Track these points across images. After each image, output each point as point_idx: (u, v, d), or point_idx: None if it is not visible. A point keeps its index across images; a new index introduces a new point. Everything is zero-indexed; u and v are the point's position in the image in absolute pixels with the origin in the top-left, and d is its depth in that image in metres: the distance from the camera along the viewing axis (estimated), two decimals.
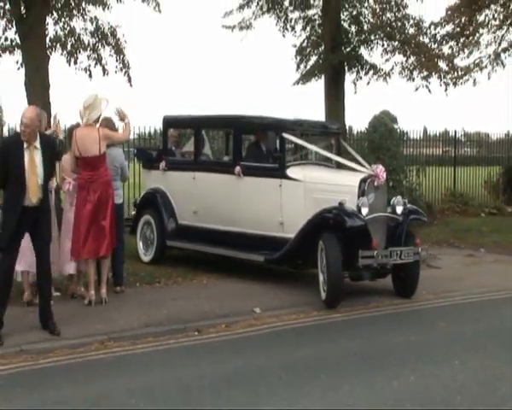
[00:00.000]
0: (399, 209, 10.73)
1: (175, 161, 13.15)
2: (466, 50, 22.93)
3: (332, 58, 20.91)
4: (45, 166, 8.46)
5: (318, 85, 22.32)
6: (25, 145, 8.22)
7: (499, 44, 23.80)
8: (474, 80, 23.03)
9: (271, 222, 11.17)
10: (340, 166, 12.07)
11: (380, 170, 10.61)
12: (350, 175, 10.97)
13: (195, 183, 12.41)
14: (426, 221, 12.57)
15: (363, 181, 10.47)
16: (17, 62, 17.16)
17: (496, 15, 23.14)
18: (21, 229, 8.37)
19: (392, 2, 21.51)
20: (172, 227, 12.66)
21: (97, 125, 10.08)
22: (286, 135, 11.49)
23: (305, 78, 22.38)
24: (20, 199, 8.23)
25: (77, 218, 9.91)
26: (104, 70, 17.79)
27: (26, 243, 9.18)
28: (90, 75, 17.72)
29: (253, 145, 13.15)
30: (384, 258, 10.20)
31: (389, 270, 10.83)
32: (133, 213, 13.98)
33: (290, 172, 11.23)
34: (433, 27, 22.26)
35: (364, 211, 10.14)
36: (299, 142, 11.82)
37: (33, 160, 8.28)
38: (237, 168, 11.68)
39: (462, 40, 22.59)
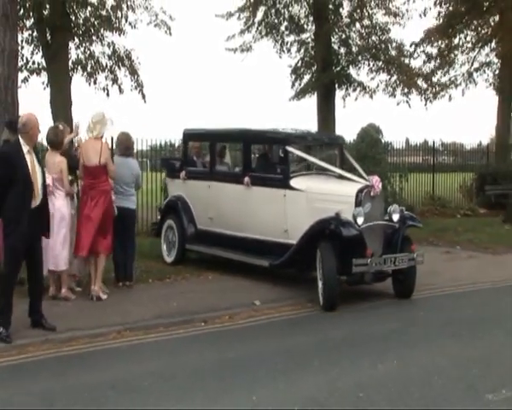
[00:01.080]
0: (396, 217, 10.36)
1: (194, 170, 12.82)
2: (442, 70, 23.03)
3: (323, 77, 21.08)
4: (42, 168, 8.39)
5: (311, 101, 22.48)
6: (25, 150, 8.03)
7: (472, 65, 24.09)
8: (450, 96, 23.26)
9: (276, 229, 10.84)
10: (341, 176, 11.40)
11: (376, 181, 10.25)
12: (348, 185, 10.50)
13: (210, 191, 12.14)
14: (421, 227, 12.11)
15: (359, 191, 10.08)
16: (43, 83, 17.31)
17: (469, 39, 23.30)
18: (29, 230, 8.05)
19: (377, 27, 21.56)
20: (191, 232, 12.40)
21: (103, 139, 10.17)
22: (289, 148, 11.20)
23: (300, 94, 22.48)
24: (28, 200, 7.97)
25: (78, 219, 9.93)
26: (120, 89, 17.84)
27: (52, 241, 9.27)
28: (108, 94, 17.79)
29: (262, 157, 12.96)
30: (378, 265, 9.91)
31: (388, 274, 10.51)
32: (158, 217, 13.61)
33: (294, 182, 10.85)
34: (413, 47, 22.31)
35: (360, 220, 9.80)
36: (301, 154, 11.51)
37: (33, 163, 8.12)
38: (246, 179, 11.37)
39: (438, 60, 22.65)
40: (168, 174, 13.61)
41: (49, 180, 9.59)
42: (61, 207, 9.63)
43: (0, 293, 8.16)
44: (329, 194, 10.41)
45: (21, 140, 8.12)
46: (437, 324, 9.17)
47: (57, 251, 9.55)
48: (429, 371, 7.07)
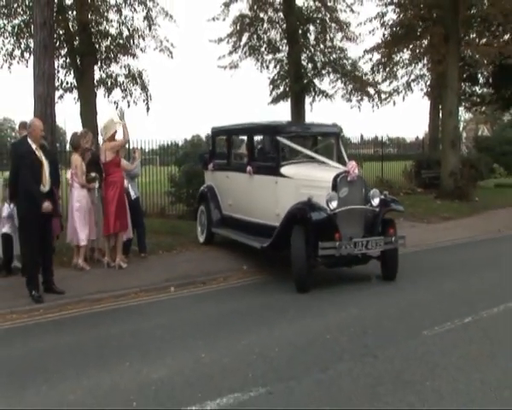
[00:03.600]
0: (375, 201, 8.92)
1: (218, 162, 11.77)
2: (388, 80, 23.26)
3: (295, 87, 21.11)
4: (52, 163, 8.34)
5: (286, 105, 22.47)
6: (33, 147, 7.97)
7: (410, 77, 24.52)
8: (394, 101, 23.43)
9: (270, 213, 9.52)
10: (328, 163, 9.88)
11: (351, 166, 8.80)
12: (329, 172, 9.02)
13: (228, 180, 11.19)
14: (402, 211, 10.17)
15: (336, 177, 8.69)
16: (74, 98, 17.31)
17: (407, 56, 23.58)
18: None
19: (336, 48, 21.60)
20: (216, 217, 11.43)
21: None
22: (279, 138, 9.85)
23: (276, 100, 22.50)
24: (37, 182, 7.88)
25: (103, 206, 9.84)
26: (134, 102, 17.82)
27: (73, 223, 9.33)
28: (117, 107, 17.73)
29: (261, 147, 11.39)
30: (347, 249, 8.37)
31: (372, 256, 9.04)
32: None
33: (284, 170, 9.56)
34: (366, 56, 22.33)
35: (333, 204, 8.47)
36: (289, 144, 10.11)
37: (41, 157, 8.04)
38: (248, 168, 10.31)
39: (384, 73, 22.81)
40: (202, 166, 12.65)
41: (68, 175, 9.62)
42: (77, 196, 9.58)
43: (27, 264, 8.16)
44: (312, 180, 9.09)
45: (28, 138, 8.08)
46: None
47: (76, 231, 9.48)
48: (381, 316, 7.13)
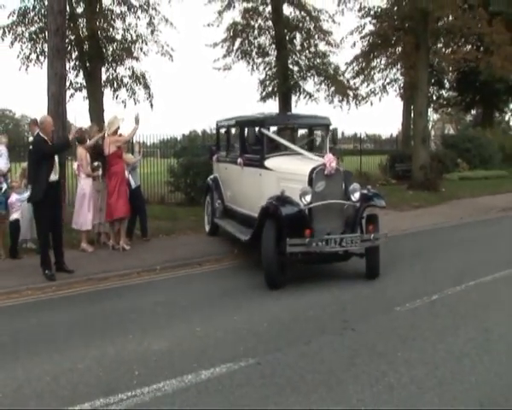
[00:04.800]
0: (355, 196, 7.72)
1: (220, 154, 10.83)
2: (366, 83, 23.27)
3: (282, 87, 20.99)
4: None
5: (274, 103, 22.32)
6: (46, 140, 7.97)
7: (385, 80, 24.53)
8: (371, 102, 23.47)
9: (257, 205, 8.21)
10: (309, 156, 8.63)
11: (328, 159, 7.61)
12: (308, 165, 7.82)
13: (227, 172, 10.25)
14: (384, 207, 8.45)
15: (312, 170, 7.58)
16: (84, 97, 17.20)
17: (383, 62, 23.62)
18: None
19: (320, 53, 21.48)
20: (219, 207, 10.33)
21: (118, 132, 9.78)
22: (263, 130, 8.78)
23: (265, 98, 22.35)
24: (50, 170, 7.87)
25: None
26: (137, 100, 17.72)
27: (78, 209, 9.28)
28: (125, 106, 17.76)
29: (250, 140, 9.47)
30: (319, 245, 7.23)
31: (352, 254, 7.90)
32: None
33: (267, 162, 8.54)
34: (346, 66, 22.42)
35: (306, 199, 7.40)
36: (273, 136, 9.03)
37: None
38: (239, 160, 9.43)
39: (362, 77, 22.84)
40: (210, 158, 11.79)
41: (75, 166, 9.54)
42: (83, 185, 9.50)
43: (41, 246, 8.08)
44: (291, 173, 8.04)
45: (41, 133, 8.03)
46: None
47: (81, 216, 9.40)
48: (358, 295, 7.13)
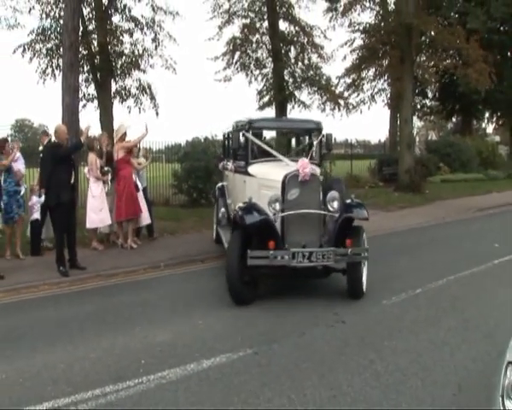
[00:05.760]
0: (333, 206, 6.55)
1: (225, 162, 9.90)
2: (356, 93, 23.29)
3: (278, 97, 20.97)
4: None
5: (272, 113, 22.26)
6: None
7: (373, 90, 24.58)
8: (361, 110, 23.50)
9: None
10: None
11: (301, 165, 6.45)
12: (282, 170, 6.71)
13: (229, 179, 9.34)
14: (366, 219, 6.79)
15: (285, 177, 6.48)
16: (95, 107, 17.27)
17: (371, 73, 23.69)
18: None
19: (313, 65, 21.47)
20: (223, 216, 9.10)
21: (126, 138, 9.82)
22: (247, 134, 7.70)
23: (262, 108, 22.36)
24: (70, 174, 7.93)
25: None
26: (140, 110, 17.81)
27: (88, 210, 9.23)
28: (130, 112, 17.83)
29: (236, 145, 8.47)
30: (284, 259, 6.04)
31: (333, 269, 6.63)
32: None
33: (251, 168, 7.61)
34: (338, 79, 22.43)
35: (275, 207, 6.36)
36: (255, 140, 7.85)
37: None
38: (231, 166, 8.82)
39: (353, 87, 22.85)
40: (216, 166, 11.20)
41: (86, 170, 9.55)
42: (92, 187, 9.48)
43: (57, 245, 8.07)
44: (267, 179, 7.04)
45: (55, 140, 8.18)
46: None
47: (91, 217, 9.39)
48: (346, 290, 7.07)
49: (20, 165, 8.86)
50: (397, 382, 4.26)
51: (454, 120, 38.38)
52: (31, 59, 16.72)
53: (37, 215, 8.99)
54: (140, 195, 9.89)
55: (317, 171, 7.05)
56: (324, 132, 8.08)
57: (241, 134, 8.05)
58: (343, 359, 4.74)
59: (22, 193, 8.82)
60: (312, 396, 4.04)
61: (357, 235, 6.62)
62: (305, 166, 6.46)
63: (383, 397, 4.01)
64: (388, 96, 25.67)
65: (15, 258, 8.68)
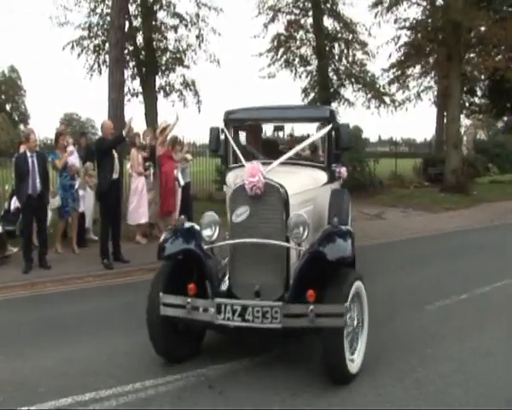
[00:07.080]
0: (296, 235, 4.20)
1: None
2: (401, 91, 22.82)
3: (322, 95, 20.79)
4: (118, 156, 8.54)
5: None
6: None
7: (420, 88, 23.96)
8: (406, 108, 22.98)
9: None
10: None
11: (249, 170, 4.28)
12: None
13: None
14: (344, 259, 4.08)
15: (234, 191, 4.46)
16: (140, 102, 17.70)
17: (417, 71, 23.11)
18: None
19: (358, 62, 21.18)
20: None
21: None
22: (225, 129, 6.05)
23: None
24: (112, 168, 8.11)
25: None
26: (184, 104, 18.11)
27: (131, 205, 9.42)
28: (173, 105, 18.22)
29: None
30: (206, 313, 4.14)
31: (305, 330, 4.02)
32: None
33: (228, 175, 6.14)
34: (382, 72, 21.96)
35: (207, 233, 4.65)
36: (229, 138, 6.07)
37: (112, 150, 8.23)
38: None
39: (398, 84, 22.38)
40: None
41: (128, 165, 9.75)
42: (134, 182, 9.65)
43: (101, 238, 8.26)
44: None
45: (102, 135, 8.41)
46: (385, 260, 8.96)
47: (134, 212, 9.57)
48: (391, 292, 6.95)
49: (74, 159, 9.10)
50: (437, 391, 4.14)
51: (505, 118, 37.12)
52: (79, 55, 17.28)
53: (83, 208, 9.23)
54: (179, 192, 9.99)
55: (322, 178, 5.47)
56: (335, 124, 5.94)
57: (220, 130, 6.24)
58: (382, 364, 4.64)
59: (77, 187, 9.04)
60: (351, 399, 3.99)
61: (335, 283, 4.07)
62: (254, 172, 4.25)
63: (423, 406, 3.90)
64: (435, 94, 25.02)
65: (70, 252, 8.88)
